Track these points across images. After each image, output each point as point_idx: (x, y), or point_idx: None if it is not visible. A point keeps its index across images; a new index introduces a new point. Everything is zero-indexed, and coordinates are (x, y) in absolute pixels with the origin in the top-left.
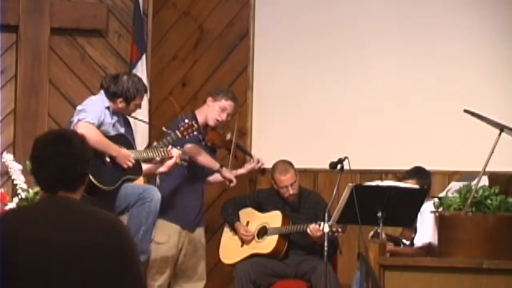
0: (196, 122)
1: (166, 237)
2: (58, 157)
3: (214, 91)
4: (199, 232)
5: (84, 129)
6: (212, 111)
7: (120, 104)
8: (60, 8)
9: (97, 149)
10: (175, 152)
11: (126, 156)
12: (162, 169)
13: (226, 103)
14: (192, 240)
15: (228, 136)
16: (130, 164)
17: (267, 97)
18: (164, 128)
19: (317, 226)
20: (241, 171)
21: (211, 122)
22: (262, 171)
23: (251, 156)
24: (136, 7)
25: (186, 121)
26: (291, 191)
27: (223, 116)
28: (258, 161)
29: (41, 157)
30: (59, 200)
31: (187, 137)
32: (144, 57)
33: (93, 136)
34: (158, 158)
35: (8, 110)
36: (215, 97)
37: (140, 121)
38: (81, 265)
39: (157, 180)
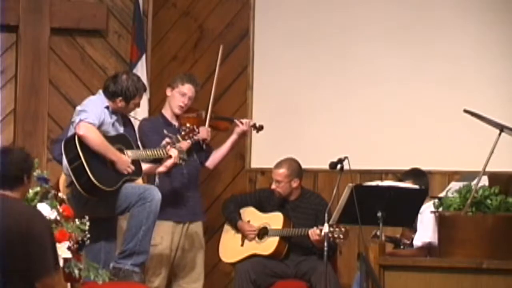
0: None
1: (159, 239)
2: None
3: (171, 81)
4: (196, 226)
5: (85, 130)
6: (173, 99)
7: (120, 103)
8: (60, 8)
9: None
10: (174, 152)
11: (125, 163)
12: (161, 168)
13: (183, 87)
14: (189, 234)
15: (203, 115)
16: (129, 170)
17: (267, 97)
18: (165, 131)
19: (317, 230)
20: (233, 137)
21: (176, 110)
22: (259, 128)
23: (236, 121)
24: (136, 7)
25: (188, 125)
26: (274, 186)
27: (185, 100)
28: (247, 123)
29: None
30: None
31: (188, 141)
32: (144, 57)
33: (94, 138)
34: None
35: (8, 110)
36: (172, 86)
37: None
38: (11, 244)
39: (156, 179)
